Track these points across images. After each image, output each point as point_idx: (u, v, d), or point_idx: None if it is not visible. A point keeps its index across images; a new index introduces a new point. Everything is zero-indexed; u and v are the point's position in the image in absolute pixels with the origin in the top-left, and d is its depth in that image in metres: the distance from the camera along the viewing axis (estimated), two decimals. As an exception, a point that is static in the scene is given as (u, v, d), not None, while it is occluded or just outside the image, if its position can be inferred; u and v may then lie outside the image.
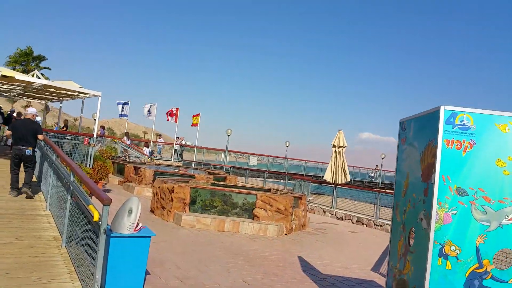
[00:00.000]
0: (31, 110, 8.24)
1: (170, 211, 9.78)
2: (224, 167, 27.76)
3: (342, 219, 14.05)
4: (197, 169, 21.81)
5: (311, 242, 9.43)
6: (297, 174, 31.59)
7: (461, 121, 3.74)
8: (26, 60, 42.46)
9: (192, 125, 28.52)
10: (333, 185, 14.87)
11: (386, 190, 19.23)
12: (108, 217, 4.02)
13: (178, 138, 29.45)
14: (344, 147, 14.75)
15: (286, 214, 9.96)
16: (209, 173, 18.14)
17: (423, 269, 3.72)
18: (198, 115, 28.44)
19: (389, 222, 12.68)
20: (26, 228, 5.94)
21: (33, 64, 42.26)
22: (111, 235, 4.37)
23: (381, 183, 39.20)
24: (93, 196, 5.02)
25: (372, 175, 40.83)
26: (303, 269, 6.84)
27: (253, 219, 9.93)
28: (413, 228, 4.13)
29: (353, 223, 13.67)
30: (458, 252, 3.65)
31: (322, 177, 36.15)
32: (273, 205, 9.92)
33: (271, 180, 26.84)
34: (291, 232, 10.04)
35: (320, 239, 9.97)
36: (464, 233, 3.66)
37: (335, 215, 14.32)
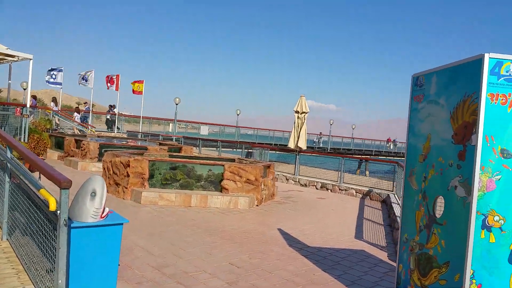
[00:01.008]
0: None
1: (126, 188, 8.69)
2: (174, 137, 26.46)
3: (306, 185, 13.71)
4: (145, 140, 20.39)
5: (284, 212, 8.89)
6: (249, 142, 31.07)
7: (507, 71, 3.16)
8: None
9: (134, 93, 26.56)
10: (295, 152, 14.41)
11: (349, 155, 19.19)
12: (68, 203, 3.06)
13: (111, 106, 27.36)
14: (306, 113, 14.21)
15: (257, 185, 9.29)
16: (160, 144, 16.92)
17: (460, 243, 3.20)
18: (141, 81, 26.52)
19: (354, 187, 12.56)
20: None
21: None
22: (72, 225, 3.37)
23: (330, 148, 39.96)
24: (41, 176, 3.91)
25: (317, 140, 41.48)
26: (288, 243, 6.25)
27: (221, 191, 9.15)
28: (440, 197, 3.59)
29: (317, 189, 13.39)
30: (503, 222, 3.15)
31: (277, 144, 36.13)
32: (242, 176, 9.18)
33: (224, 149, 26.06)
34: (261, 203, 9.43)
35: (292, 207, 9.48)
36: (509, 200, 3.16)
37: (299, 182, 13.95)
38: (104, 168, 9.56)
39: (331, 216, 8.99)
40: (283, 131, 39.91)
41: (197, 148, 22.48)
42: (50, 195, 3.00)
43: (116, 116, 27.35)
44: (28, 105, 11.73)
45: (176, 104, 28.57)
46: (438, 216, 3.61)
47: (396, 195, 11.08)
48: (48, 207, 2.97)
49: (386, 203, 11.17)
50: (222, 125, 36.19)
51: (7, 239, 4.38)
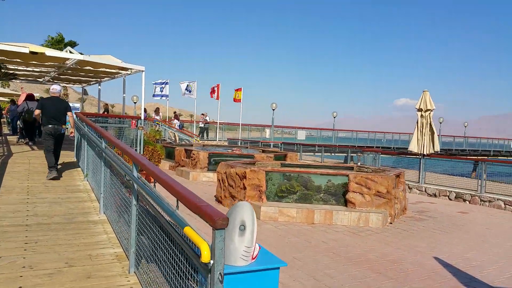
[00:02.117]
0: (56, 87, 7.63)
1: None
2: (272, 143, 25.90)
3: (435, 195, 11.82)
4: (247, 147, 20.01)
5: (428, 232, 7.35)
6: (348, 146, 29.28)
7: None
8: (58, 48, 41.71)
9: (234, 101, 26.60)
10: (419, 156, 12.55)
11: (488, 158, 16.47)
12: (223, 249, 2.15)
13: (203, 114, 27.59)
14: (431, 110, 12.28)
15: (389, 198, 7.90)
16: (263, 151, 16.27)
17: None
18: (240, 89, 26.48)
19: (501, 197, 10.37)
20: (77, 245, 4.24)
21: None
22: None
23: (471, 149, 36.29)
24: (179, 203, 3.12)
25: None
26: (460, 280, 4.81)
27: (346, 205, 7.95)
28: None
29: (450, 199, 11.42)
30: None
31: (395, 148, 33.73)
32: (371, 187, 7.87)
33: (319, 154, 24.73)
34: (394, 220, 8.01)
35: (435, 226, 7.87)
36: None
37: (425, 191, 12.11)
38: (218, 180, 8.99)
39: (490, 238, 7.21)
40: (384, 132, 37.19)
41: (297, 153, 21.56)
42: (200, 238, 2.13)
43: (209, 124, 27.70)
44: (142, 117, 11.82)
45: (273, 109, 27.99)
46: None
47: None
48: (199, 256, 2.10)
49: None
50: (319, 128, 34.82)
51: (134, 272, 3.73)
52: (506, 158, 41.01)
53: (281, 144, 24.39)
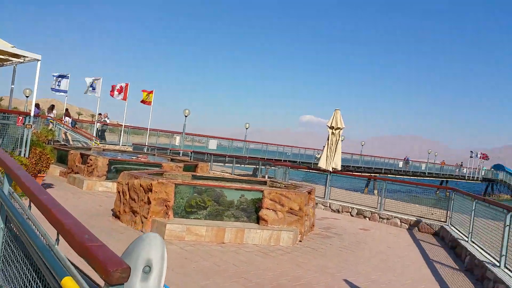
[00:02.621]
0: None
1: (146, 218, 7.17)
2: (181, 151, 24.99)
3: (338, 211, 12.18)
4: (154, 155, 18.90)
5: (336, 251, 7.35)
6: (258, 158, 29.59)
7: None
8: None
9: (144, 103, 25.11)
10: (326, 172, 12.91)
11: (379, 176, 17.57)
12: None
13: (101, 114, 25.81)
14: (341, 129, 12.75)
15: (301, 215, 7.77)
16: (172, 160, 15.43)
17: None
18: (151, 92, 25.13)
19: (398, 215, 11.01)
20: None
21: None
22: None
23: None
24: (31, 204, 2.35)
25: (319, 156, 39.83)
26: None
27: (257, 222, 7.64)
28: None
29: (352, 216, 11.85)
30: None
31: (300, 162, 34.67)
32: (284, 204, 7.67)
33: (231, 165, 24.54)
34: (304, 238, 7.91)
35: (341, 244, 7.94)
36: None
37: (330, 207, 12.43)
38: (118, 192, 8.04)
39: (391, 256, 7.46)
40: (291, 146, 38.48)
41: (208, 163, 21.01)
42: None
43: (107, 126, 25.82)
44: (32, 114, 10.23)
45: (186, 116, 27.14)
46: None
47: (453, 227, 9.57)
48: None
49: (442, 237, 9.65)
50: (231, 139, 34.66)
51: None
52: (394, 176, 45.20)
53: (191, 153, 23.61)
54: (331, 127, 12.94)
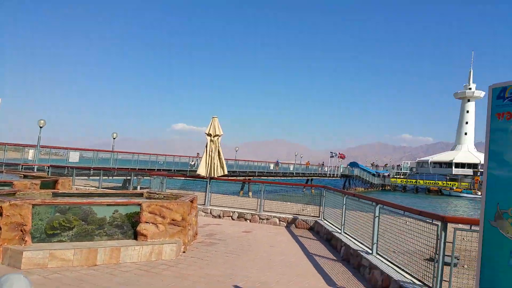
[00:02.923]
0: None
1: (-5, 246, 5.86)
2: (36, 166, 22.01)
3: (220, 216, 12.02)
4: (2, 172, 16.14)
5: (222, 257, 7.10)
6: (127, 169, 27.85)
7: None
8: None
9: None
10: (206, 179, 12.64)
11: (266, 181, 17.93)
12: None
13: None
14: (220, 136, 12.63)
15: (184, 226, 7.31)
16: (25, 176, 13.31)
17: None
18: (-5, 100, 21.48)
19: (276, 214, 11.35)
20: None
21: None
22: None
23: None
24: None
25: (193, 163, 39.47)
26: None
27: (135, 239, 6.92)
28: None
29: (233, 219, 11.81)
30: None
31: (176, 170, 33.44)
32: (166, 216, 7.11)
33: (96, 178, 22.57)
34: (187, 248, 7.47)
35: (226, 249, 7.74)
36: None
37: (211, 213, 12.19)
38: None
39: (276, 255, 7.54)
40: (165, 154, 37.38)
41: (69, 178, 18.84)
42: None
43: None
44: None
45: (41, 127, 24.01)
46: None
47: (326, 221, 10.24)
48: None
49: (317, 232, 10.23)
50: (95, 150, 31.85)
51: None
52: (267, 178, 47.56)
53: (48, 167, 20.96)
54: (209, 134, 12.75)
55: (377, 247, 6.54)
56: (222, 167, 12.49)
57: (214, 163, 12.35)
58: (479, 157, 75.67)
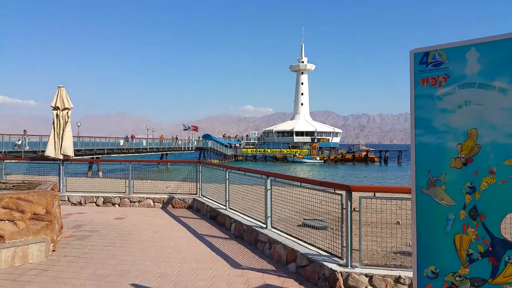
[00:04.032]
0: None
1: None
2: None
3: (81, 203, 10.54)
4: None
5: (102, 252, 6.13)
6: None
7: None
8: None
9: None
10: (59, 161, 10.82)
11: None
12: None
13: None
14: (69, 109, 10.80)
15: (50, 220, 6.04)
16: None
17: None
18: None
19: (150, 196, 10.52)
20: None
21: None
22: None
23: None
24: None
25: (19, 142, 33.55)
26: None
27: (-14, 242, 5.43)
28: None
29: (98, 206, 10.50)
30: None
31: (7, 152, 27.87)
32: (25, 210, 5.74)
33: None
34: (57, 245, 6.25)
35: (103, 242, 6.74)
36: None
37: (69, 200, 10.59)
38: None
39: (164, 241, 6.91)
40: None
41: None
42: None
43: None
44: None
45: None
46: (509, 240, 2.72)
47: (205, 198, 9.94)
48: None
49: (197, 209, 9.86)
50: None
51: None
52: (118, 155, 44.53)
53: None
54: (56, 108, 10.84)
55: (271, 221, 6.55)
56: (71, 146, 10.80)
57: (64, 141, 10.56)
58: (315, 126, 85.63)
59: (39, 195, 6.00)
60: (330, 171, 52.52)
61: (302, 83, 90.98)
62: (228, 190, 8.44)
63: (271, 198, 6.52)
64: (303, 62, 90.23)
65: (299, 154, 68.49)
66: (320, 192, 5.37)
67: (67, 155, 10.85)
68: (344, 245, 4.69)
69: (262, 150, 73.80)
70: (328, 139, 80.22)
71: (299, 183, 5.84)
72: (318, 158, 66.77)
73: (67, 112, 10.96)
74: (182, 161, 13.26)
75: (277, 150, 73.73)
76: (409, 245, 6.29)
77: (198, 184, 10.48)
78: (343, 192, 4.79)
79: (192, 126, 67.54)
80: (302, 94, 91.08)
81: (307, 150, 72.03)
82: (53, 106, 10.84)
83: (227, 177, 8.46)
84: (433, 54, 2.99)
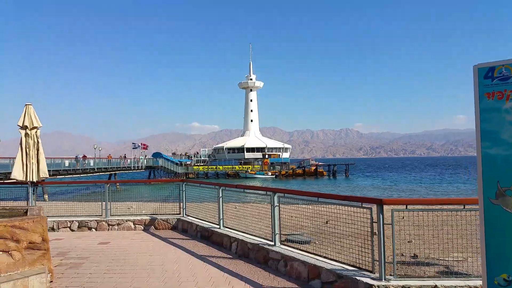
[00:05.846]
0: None
1: None
2: None
3: (54, 229, 9.72)
4: None
5: (107, 283, 5.66)
6: None
7: None
8: None
9: None
10: (29, 184, 9.92)
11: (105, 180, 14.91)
12: None
13: None
14: (38, 128, 9.99)
15: (46, 248, 5.49)
16: None
17: None
18: None
19: (129, 218, 9.94)
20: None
21: None
22: None
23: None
24: None
25: None
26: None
27: (-22, 278, 4.79)
28: None
29: (73, 230, 9.75)
30: None
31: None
32: (20, 239, 5.16)
33: None
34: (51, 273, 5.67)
35: (99, 269, 6.24)
36: None
37: (39, 226, 9.71)
38: None
39: (168, 264, 6.52)
40: None
41: None
42: None
43: None
44: None
45: None
46: None
47: (190, 217, 9.57)
48: None
49: (184, 230, 9.45)
50: None
51: None
52: (64, 177, 41.85)
53: None
54: (24, 127, 10.00)
55: (280, 237, 6.44)
56: (45, 168, 9.99)
57: (33, 163, 9.73)
58: (265, 142, 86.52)
59: (34, 222, 5.43)
60: (283, 186, 53.15)
61: (251, 100, 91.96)
62: (222, 208, 8.20)
63: (279, 214, 6.42)
64: (251, 79, 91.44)
65: (251, 170, 68.64)
66: (339, 206, 5.37)
67: (42, 178, 10.00)
68: (376, 258, 4.70)
69: (214, 167, 73.04)
70: (279, 154, 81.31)
71: (316, 198, 5.81)
72: (270, 174, 67.31)
73: (36, 132, 10.15)
74: (165, 180, 12.74)
75: (229, 166, 73.36)
76: (415, 255, 6.45)
77: (181, 203, 10.08)
78: (374, 206, 4.82)
79: (142, 144, 65.47)
80: (251, 111, 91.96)
81: (259, 166, 72.39)
82: (21, 125, 9.98)
83: (220, 195, 8.23)
84: (499, 68, 3.13)
